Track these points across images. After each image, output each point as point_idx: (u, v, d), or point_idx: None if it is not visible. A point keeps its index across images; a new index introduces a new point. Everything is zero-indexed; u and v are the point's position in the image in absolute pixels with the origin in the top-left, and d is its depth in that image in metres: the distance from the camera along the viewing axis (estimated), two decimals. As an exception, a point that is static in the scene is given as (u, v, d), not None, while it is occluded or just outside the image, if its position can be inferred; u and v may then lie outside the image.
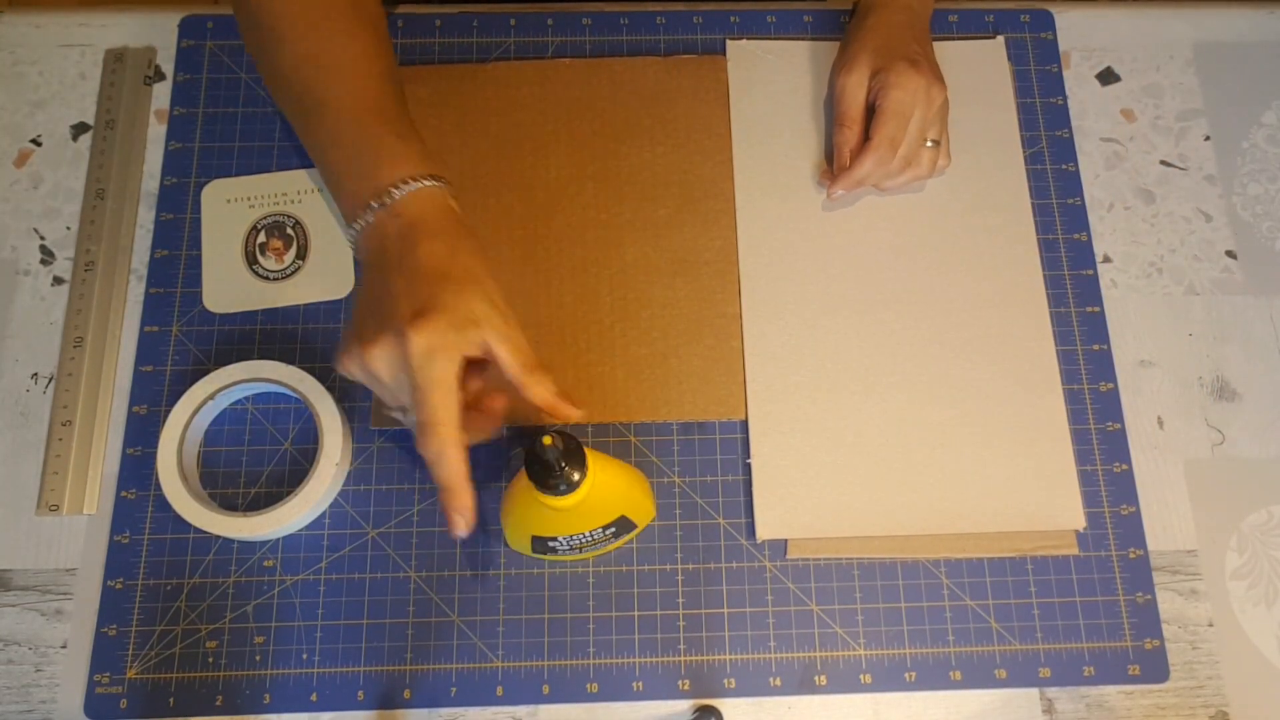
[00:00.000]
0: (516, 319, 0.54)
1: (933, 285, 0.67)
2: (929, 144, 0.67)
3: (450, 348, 0.51)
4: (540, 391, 0.53)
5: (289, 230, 0.67)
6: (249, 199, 0.68)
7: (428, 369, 0.51)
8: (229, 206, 0.68)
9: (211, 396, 0.61)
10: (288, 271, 0.67)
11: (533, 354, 0.54)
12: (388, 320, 0.52)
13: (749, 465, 0.63)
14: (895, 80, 0.65)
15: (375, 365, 0.52)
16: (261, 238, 0.67)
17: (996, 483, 0.63)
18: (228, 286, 0.66)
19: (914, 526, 0.62)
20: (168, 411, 0.63)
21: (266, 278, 0.66)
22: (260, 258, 0.67)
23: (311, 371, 0.63)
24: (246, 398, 0.64)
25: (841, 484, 0.62)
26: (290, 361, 0.64)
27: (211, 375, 0.62)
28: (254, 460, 0.63)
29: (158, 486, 0.60)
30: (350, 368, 0.54)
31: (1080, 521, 0.62)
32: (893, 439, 0.63)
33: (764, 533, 0.61)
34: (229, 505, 0.62)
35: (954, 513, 0.62)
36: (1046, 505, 0.62)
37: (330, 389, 0.62)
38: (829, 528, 0.62)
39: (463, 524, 0.52)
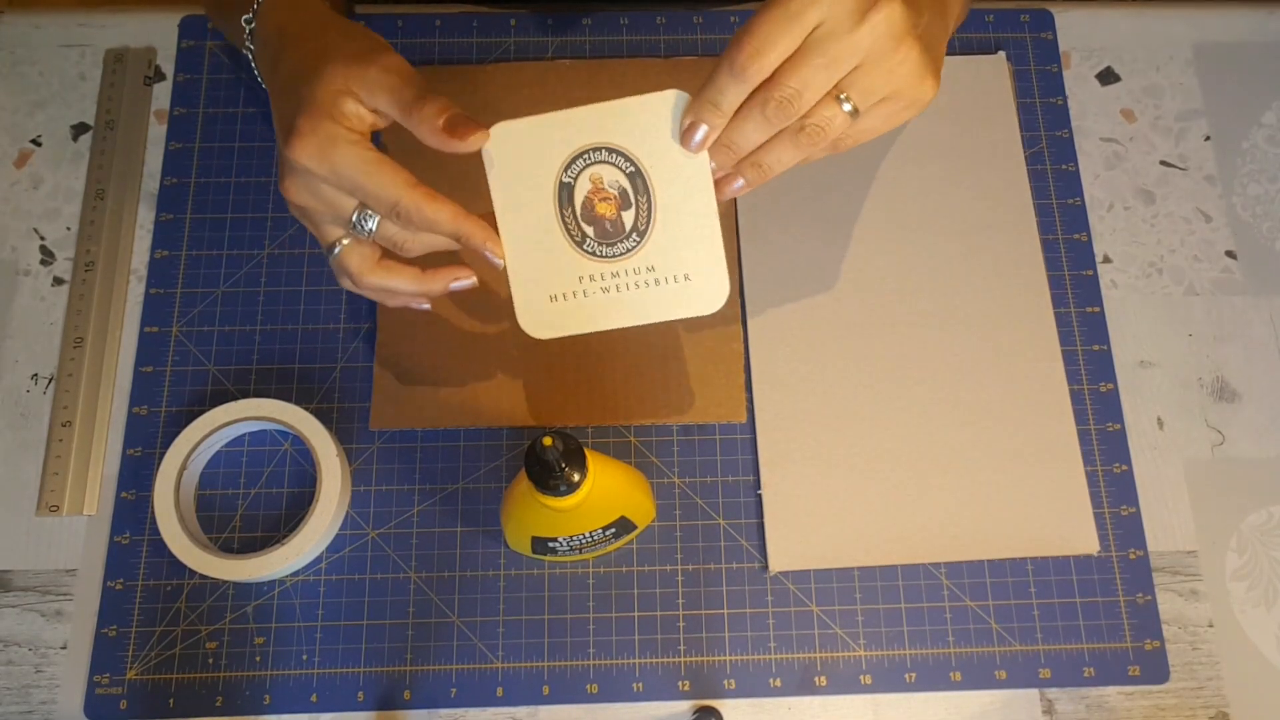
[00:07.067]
0: (389, 61, 0.48)
1: (939, 306, 0.66)
2: (844, 102, 0.46)
3: (336, 134, 0.47)
4: (425, 130, 0.47)
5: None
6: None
7: (337, 166, 0.47)
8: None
9: (207, 436, 0.61)
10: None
11: (414, 88, 0.47)
12: (279, 151, 0.49)
13: (759, 495, 0.63)
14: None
15: (293, 196, 0.49)
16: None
17: (1011, 508, 0.62)
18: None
19: (928, 555, 0.61)
20: (167, 414, 0.63)
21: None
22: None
23: (309, 397, 0.63)
24: (243, 435, 0.63)
25: (854, 514, 0.61)
26: (290, 361, 0.65)
27: (208, 415, 0.61)
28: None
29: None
30: (290, 206, 0.51)
31: (1094, 545, 0.61)
32: (905, 465, 0.62)
33: (776, 565, 0.61)
34: (226, 544, 0.61)
35: (969, 539, 0.61)
36: (1060, 528, 0.62)
37: (329, 427, 0.61)
38: (842, 557, 0.61)
39: (498, 249, 0.49)
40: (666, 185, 0.48)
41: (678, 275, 0.49)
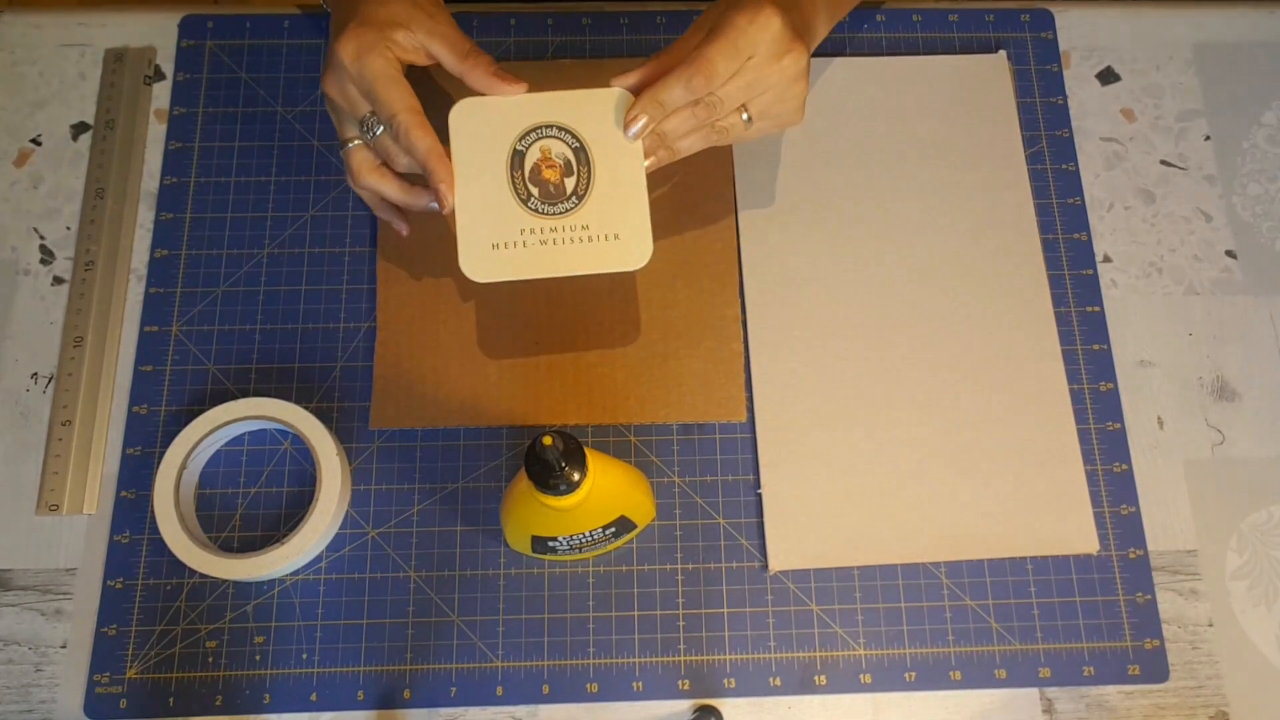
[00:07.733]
0: (447, 16, 0.58)
1: (939, 306, 0.66)
2: (744, 113, 0.57)
3: (377, 45, 0.55)
4: (478, 75, 0.56)
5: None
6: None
7: (363, 69, 0.55)
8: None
9: (207, 435, 0.61)
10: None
11: (466, 42, 0.57)
12: (328, 48, 0.58)
13: (759, 495, 0.63)
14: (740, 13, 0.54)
15: (328, 89, 0.57)
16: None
17: (1011, 508, 0.62)
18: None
19: (927, 555, 0.61)
20: (167, 414, 0.63)
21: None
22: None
23: (309, 396, 0.62)
24: (243, 434, 0.63)
25: (853, 513, 0.62)
26: (290, 361, 0.65)
27: (208, 414, 0.61)
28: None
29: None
30: (326, 102, 0.59)
31: (1094, 545, 0.62)
32: (904, 465, 0.63)
33: (776, 564, 0.61)
34: (225, 544, 0.61)
35: (969, 539, 0.61)
36: (1060, 528, 0.62)
37: (329, 426, 0.61)
38: (842, 557, 0.61)
39: (449, 194, 0.56)
40: (605, 160, 0.57)
41: (608, 234, 0.56)
